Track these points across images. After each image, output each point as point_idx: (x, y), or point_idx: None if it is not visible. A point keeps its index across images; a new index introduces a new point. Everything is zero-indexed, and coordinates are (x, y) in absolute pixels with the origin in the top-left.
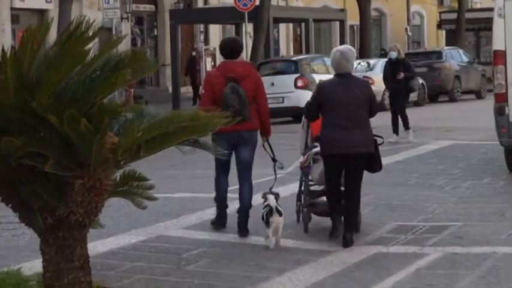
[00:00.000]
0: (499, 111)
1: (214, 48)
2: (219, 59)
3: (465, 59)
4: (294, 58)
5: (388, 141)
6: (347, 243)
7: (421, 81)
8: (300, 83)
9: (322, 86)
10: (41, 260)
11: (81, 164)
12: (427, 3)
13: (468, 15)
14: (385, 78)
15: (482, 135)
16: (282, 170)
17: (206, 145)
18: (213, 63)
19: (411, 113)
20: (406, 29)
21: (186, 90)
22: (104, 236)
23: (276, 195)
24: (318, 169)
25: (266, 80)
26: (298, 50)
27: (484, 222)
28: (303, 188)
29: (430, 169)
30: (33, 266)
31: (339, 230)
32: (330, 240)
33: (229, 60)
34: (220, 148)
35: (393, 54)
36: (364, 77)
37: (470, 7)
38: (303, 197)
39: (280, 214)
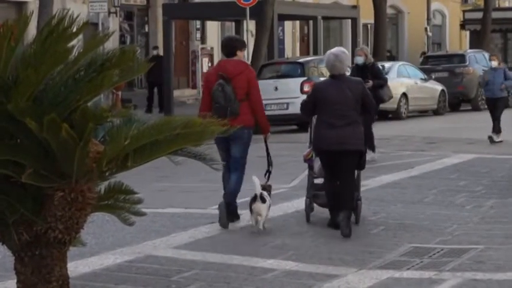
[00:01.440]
0: None
1: (212, 48)
2: (217, 59)
3: None
4: (301, 60)
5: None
6: (342, 228)
7: (441, 87)
8: (306, 88)
9: (316, 87)
10: (15, 280)
11: (62, 174)
12: (449, 1)
13: (495, 14)
14: None
15: (508, 148)
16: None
17: (201, 155)
18: (210, 64)
19: (430, 121)
20: (425, 28)
21: (180, 93)
22: (86, 255)
23: (268, 187)
24: (318, 162)
25: (269, 84)
26: (305, 51)
27: (509, 246)
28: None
29: (449, 185)
30: (6, 287)
31: (336, 220)
32: (327, 228)
33: (225, 58)
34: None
35: (359, 60)
36: None
37: (497, 5)
38: (306, 188)
39: (263, 201)
